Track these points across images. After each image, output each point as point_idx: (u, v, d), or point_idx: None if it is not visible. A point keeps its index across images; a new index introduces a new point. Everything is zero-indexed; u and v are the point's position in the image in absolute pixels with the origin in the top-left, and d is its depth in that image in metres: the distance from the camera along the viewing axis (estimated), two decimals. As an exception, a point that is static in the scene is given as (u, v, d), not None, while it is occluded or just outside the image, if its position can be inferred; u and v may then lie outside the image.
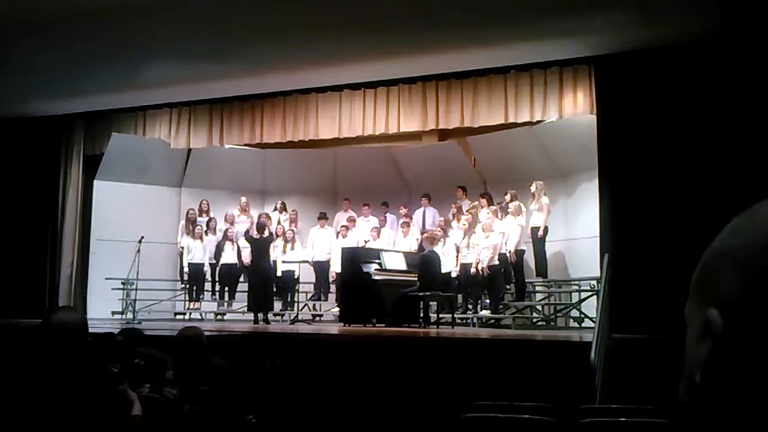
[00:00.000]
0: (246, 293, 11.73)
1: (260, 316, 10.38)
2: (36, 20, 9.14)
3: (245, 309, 11.74)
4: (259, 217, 11.67)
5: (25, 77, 10.30)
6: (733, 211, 0.63)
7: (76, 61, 9.73)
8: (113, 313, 11.05)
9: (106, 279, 11.02)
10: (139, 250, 10.44)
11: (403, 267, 10.02)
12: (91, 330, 3.31)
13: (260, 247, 10.41)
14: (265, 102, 11.24)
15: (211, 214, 12.24)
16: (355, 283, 9.63)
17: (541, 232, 10.01)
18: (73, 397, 2.32)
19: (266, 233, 10.53)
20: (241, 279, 11.93)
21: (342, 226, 11.77)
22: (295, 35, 8.70)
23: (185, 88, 10.48)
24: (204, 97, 11.09)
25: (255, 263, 10.47)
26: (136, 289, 10.79)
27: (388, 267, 9.82)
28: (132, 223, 11.47)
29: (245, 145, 12.23)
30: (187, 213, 12.03)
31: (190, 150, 12.40)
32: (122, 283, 10.83)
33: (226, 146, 12.23)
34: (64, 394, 2.33)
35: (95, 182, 11.91)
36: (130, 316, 10.64)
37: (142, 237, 10.61)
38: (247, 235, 10.96)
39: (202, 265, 11.74)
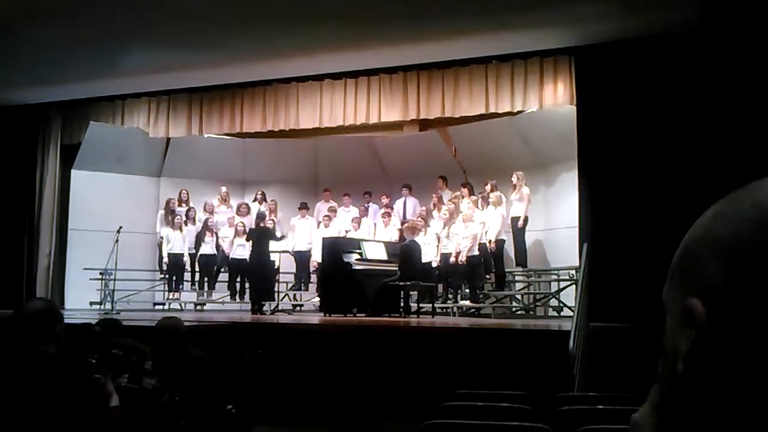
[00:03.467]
0: (226, 283, 11.77)
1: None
2: (11, 8, 8.99)
3: (225, 299, 11.74)
4: (239, 206, 11.66)
5: (0, 66, 10.13)
6: (709, 201, 0.63)
7: (53, 49, 9.58)
8: (91, 303, 10.95)
9: (84, 269, 10.92)
10: (117, 240, 10.34)
11: (384, 257, 10.03)
12: (68, 320, 3.28)
13: (260, 237, 10.38)
14: (245, 91, 11.17)
15: (191, 204, 12.16)
16: (336, 272, 9.63)
17: (521, 223, 10.06)
18: (50, 387, 2.31)
19: (267, 224, 10.62)
20: (223, 269, 11.92)
21: (324, 216, 11.76)
22: (275, 24, 8.63)
23: (164, 77, 10.36)
24: (183, 85, 10.97)
25: (255, 254, 10.42)
26: (115, 279, 10.70)
27: (368, 257, 9.83)
28: (110, 213, 11.36)
29: (225, 134, 12.15)
30: (167, 203, 11.94)
31: (169, 139, 12.30)
32: (100, 274, 10.73)
33: (206, 135, 12.14)
34: (40, 384, 2.31)
35: (72, 172, 11.78)
36: (108, 306, 10.55)
37: (121, 227, 10.51)
38: (249, 231, 10.96)
39: (182, 255, 11.67)
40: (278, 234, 10.97)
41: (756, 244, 0.55)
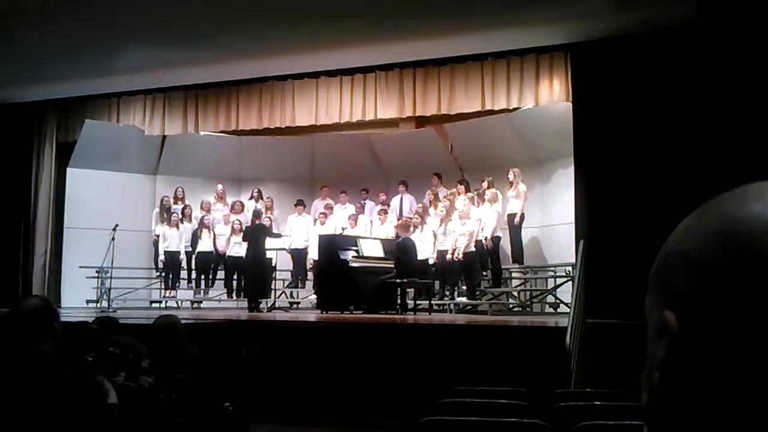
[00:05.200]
0: (222, 281, 11.76)
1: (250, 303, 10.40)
2: (6, 6, 8.96)
3: (222, 297, 11.73)
4: (234, 203, 11.66)
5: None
6: (705, 197, 0.63)
7: (49, 47, 9.56)
8: (88, 301, 10.94)
9: (80, 267, 10.91)
10: (113, 238, 10.33)
11: (381, 254, 10.03)
12: (65, 319, 3.27)
13: (256, 234, 10.37)
14: (241, 88, 11.16)
15: (187, 202, 12.14)
16: (333, 270, 9.63)
17: (517, 219, 10.07)
18: (47, 385, 2.30)
19: (263, 221, 10.63)
20: (220, 267, 11.92)
21: (320, 213, 11.76)
22: (271, 21, 8.62)
23: (159, 74, 10.36)
24: (179, 83, 10.96)
25: (251, 251, 10.40)
26: (111, 278, 10.69)
27: (365, 254, 9.83)
28: (106, 211, 11.32)
29: (221, 132, 12.13)
30: (162, 201, 11.93)
31: (164, 137, 12.28)
32: (97, 272, 10.71)
33: (202, 133, 12.12)
34: (38, 382, 2.31)
35: (68, 170, 11.75)
36: (105, 304, 10.54)
37: (117, 225, 10.50)
38: (245, 228, 10.95)
39: (178, 253, 11.65)
40: (275, 230, 10.98)
41: (720, 258, 0.57)
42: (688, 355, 0.57)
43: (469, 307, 9.91)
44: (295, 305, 11.76)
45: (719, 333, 0.55)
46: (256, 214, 10.78)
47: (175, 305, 11.63)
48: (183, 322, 4.50)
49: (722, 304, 0.55)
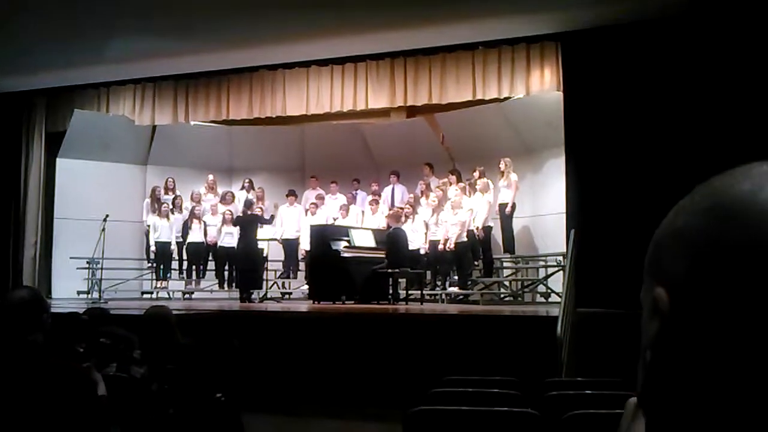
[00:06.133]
0: (213, 271, 11.75)
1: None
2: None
3: (213, 287, 11.72)
4: (224, 194, 11.60)
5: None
6: (696, 186, 0.63)
7: (38, 37, 9.47)
8: (79, 292, 10.91)
9: (71, 258, 10.86)
10: (104, 229, 10.28)
11: (372, 244, 10.03)
12: (56, 309, 3.26)
13: (247, 225, 10.34)
14: (231, 78, 11.10)
15: (177, 192, 12.10)
16: (324, 260, 9.63)
17: (509, 209, 10.08)
18: (38, 376, 2.29)
19: (255, 211, 10.59)
20: (210, 258, 11.90)
21: (311, 204, 11.75)
22: (261, 10, 8.57)
23: (149, 64, 10.29)
24: (168, 72, 10.90)
25: (243, 242, 10.36)
26: (102, 268, 10.66)
27: (356, 244, 9.83)
28: (96, 201, 11.27)
29: (211, 121, 12.08)
30: (153, 191, 11.89)
31: (155, 127, 12.21)
32: (87, 263, 10.68)
33: (192, 123, 12.05)
34: (28, 373, 2.30)
35: (58, 160, 11.69)
36: (96, 295, 10.51)
37: (107, 215, 10.45)
38: (236, 219, 10.92)
39: (169, 243, 11.62)
40: (266, 217, 10.95)
41: (710, 236, 0.57)
42: (679, 332, 0.58)
43: (460, 296, 9.94)
44: (287, 295, 11.76)
45: (709, 310, 0.56)
46: (248, 204, 10.75)
47: (167, 296, 11.61)
48: (174, 312, 4.49)
49: (713, 282, 0.56)
